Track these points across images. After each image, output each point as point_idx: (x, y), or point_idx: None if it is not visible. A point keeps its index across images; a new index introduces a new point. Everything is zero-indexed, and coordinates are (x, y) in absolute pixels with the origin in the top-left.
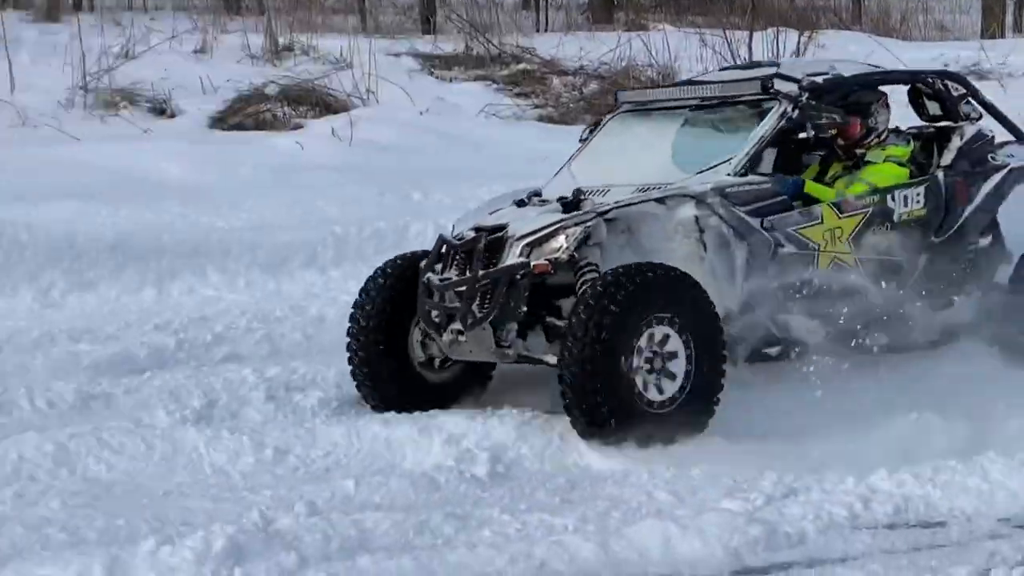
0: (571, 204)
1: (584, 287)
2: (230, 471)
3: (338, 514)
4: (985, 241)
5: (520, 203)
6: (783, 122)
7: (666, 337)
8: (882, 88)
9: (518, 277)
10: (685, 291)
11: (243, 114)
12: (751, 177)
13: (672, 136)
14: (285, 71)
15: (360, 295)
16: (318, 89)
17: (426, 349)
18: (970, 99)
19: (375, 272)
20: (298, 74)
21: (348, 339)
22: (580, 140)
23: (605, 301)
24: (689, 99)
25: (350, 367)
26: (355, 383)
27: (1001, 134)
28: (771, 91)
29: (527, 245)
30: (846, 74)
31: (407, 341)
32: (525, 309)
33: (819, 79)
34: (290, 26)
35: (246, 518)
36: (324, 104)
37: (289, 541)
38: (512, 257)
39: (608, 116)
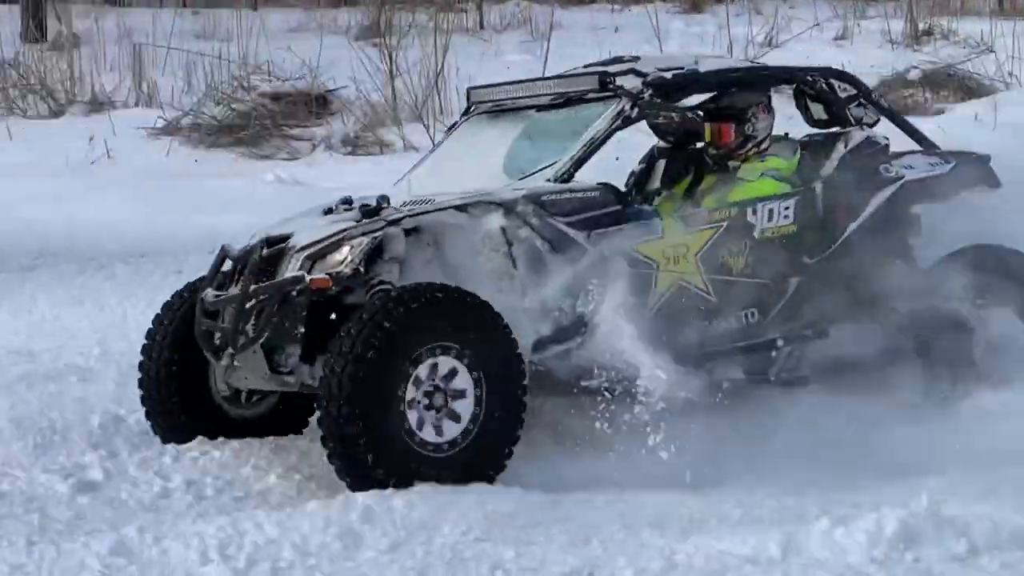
0: (371, 212)
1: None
2: None
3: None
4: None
5: (328, 210)
6: (619, 122)
7: (453, 371)
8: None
9: (293, 293)
10: (479, 320)
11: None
12: (576, 183)
13: (513, 139)
14: (926, 56)
15: (152, 323)
16: (960, 73)
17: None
18: (862, 101)
19: (171, 297)
20: (940, 59)
21: (139, 371)
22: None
23: (379, 320)
24: (532, 97)
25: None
26: (146, 416)
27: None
28: (610, 87)
29: (308, 257)
30: (705, 68)
31: (207, 372)
32: (303, 330)
33: (668, 74)
34: (929, 10)
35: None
36: (966, 88)
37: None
38: (291, 271)
39: (463, 116)
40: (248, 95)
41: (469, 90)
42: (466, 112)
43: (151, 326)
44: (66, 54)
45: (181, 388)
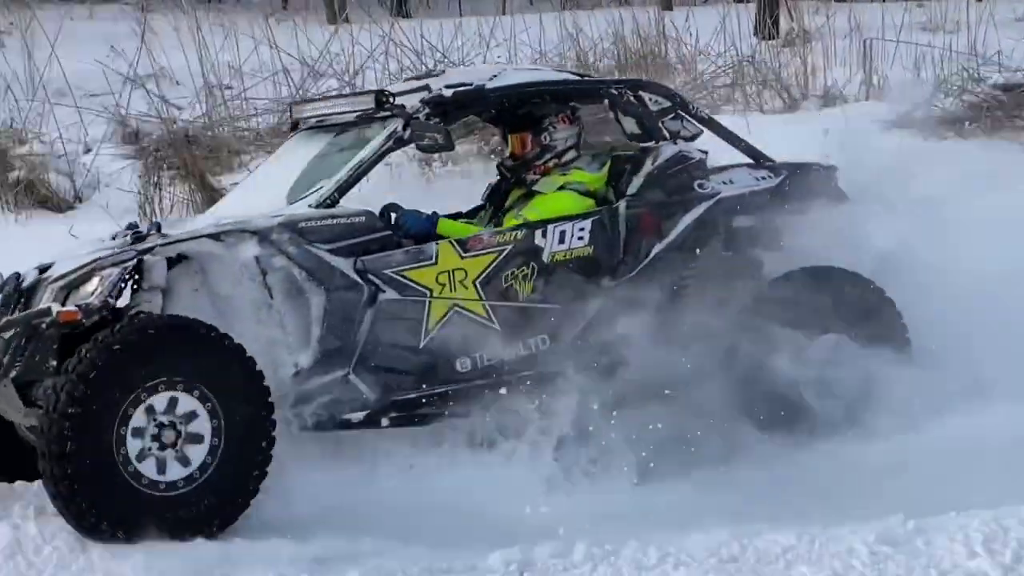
0: (138, 238)
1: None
2: None
3: None
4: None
5: (114, 236)
6: (391, 143)
7: (184, 409)
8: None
9: (42, 326)
10: (216, 352)
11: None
12: (339, 209)
13: (308, 160)
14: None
15: None
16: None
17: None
18: (679, 113)
19: None
20: None
21: None
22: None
23: (92, 356)
24: (334, 115)
25: None
26: None
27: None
28: (387, 106)
29: (62, 288)
30: (492, 84)
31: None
32: (55, 364)
33: (449, 92)
34: None
35: None
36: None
37: None
38: (44, 302)
39: (290, 132)
40: (979, 87)
41: (290, 105)
42: (293, 127)
43: None
44: (798, 49)
45: None
